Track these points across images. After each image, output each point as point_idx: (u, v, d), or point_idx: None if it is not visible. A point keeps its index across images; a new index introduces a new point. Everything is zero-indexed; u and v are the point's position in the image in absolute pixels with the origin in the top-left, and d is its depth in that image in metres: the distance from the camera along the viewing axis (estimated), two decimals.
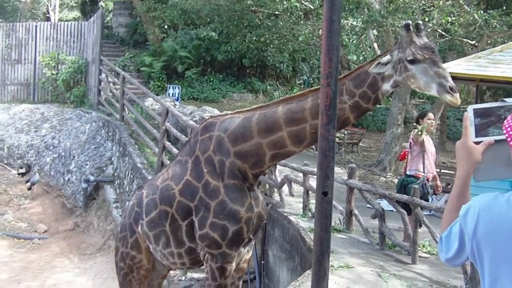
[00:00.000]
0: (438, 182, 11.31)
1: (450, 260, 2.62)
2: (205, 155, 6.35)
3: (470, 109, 2.68)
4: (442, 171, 17.95)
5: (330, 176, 3.38)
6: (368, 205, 12.06)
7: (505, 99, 2.72)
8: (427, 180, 11.08)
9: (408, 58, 5.38)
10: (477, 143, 2.65)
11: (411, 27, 5.49)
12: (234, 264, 6.49)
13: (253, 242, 6.92)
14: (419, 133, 11.08)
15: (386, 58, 5.56)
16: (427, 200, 10.84)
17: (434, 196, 14.01)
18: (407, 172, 11.23)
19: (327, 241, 3.43)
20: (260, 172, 6.45)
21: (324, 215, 3.41)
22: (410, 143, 11.22)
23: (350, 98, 5.71)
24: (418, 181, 10.82)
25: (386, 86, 5.67)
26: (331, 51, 3.32)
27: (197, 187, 6.31)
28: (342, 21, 20.74)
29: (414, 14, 17.91)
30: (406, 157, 12.28)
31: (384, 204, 11.96)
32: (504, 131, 2.50)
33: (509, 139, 2.49)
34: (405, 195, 10.41)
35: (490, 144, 2.63)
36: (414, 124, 11.81)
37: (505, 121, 2.53)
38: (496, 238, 2.37)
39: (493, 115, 2.64)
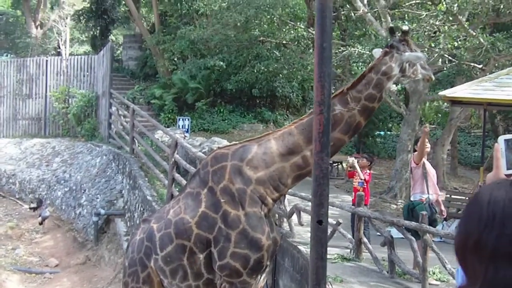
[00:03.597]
0: (442, 207, 11.32)
1: None
2: (221, 185, 6.36)
3: (501, 139, 2.51)
4: (453, 196, 17.89)
5: (324, 204, 3.34)
6: (377, 233, 12.00)
7: None
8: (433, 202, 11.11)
9: (419, 54, 6.70)
10: (509, 175, 2.42)
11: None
12: None
13: (269, 269, 6.94)
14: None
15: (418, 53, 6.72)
16: (436, 220, 10.86)
17: (445, 222, 14.00)
18: (411, 198, 11.35)
19: (323, 270, 3.39)
20: (280, 196, 6.60)
21: (320, 243, 3.37)
22: (411, 167, 11.32)
23: (357, 103, 6.37)
24: (425, 203, 10.86)
25: (390, 84, 6.65)
26: (323, 77, 3.30)
27: (215, 218, 6.31)
28: (349, 49, 20.86)
29: (420, 39, 17.92)
30: (354, 176, 12.54)
31: (394, 232, 11.89)
32: None
33: None
34: (413, 222, 10.36)
35: None
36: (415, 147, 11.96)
37: None
38: None
39: None
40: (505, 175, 2.43)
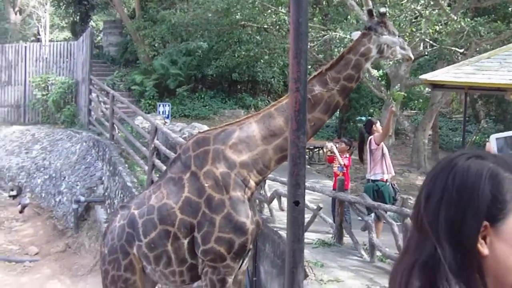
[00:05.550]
0: (394, 182, 12.11)
1: None
2: (204, 169, 6.34)
3: (493, 138, 2.36)
4: None
5: (301, 184, 3.24)
6: (358, 218, 11.96)
7: None
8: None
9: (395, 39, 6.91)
10: None
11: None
12: (233, 276, 6.48)
13: (250, 254, 6.97)
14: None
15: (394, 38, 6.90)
16: (396, 200, 11.49)
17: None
18: (372, 178, 11.86)
19: (299, 252, 3.30)
20: (262, 180, 6.64)
21: (296, 224, 3.28)
22: (372, 149, 11.76)
23: (336, 83, 6.52)
24: (388, 184, 11.66)
25: (368, 65, 6.85)
26: (299, 54, 3.20)
27: (198, 203, 6.29)
28: (330, 33, 20.74)
29: (402, 25, 17.84)
30: (334, 161, 12.78)
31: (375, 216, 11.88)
32: None
33: None
34: (393, 206, 10.44)
35: None
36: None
37: None
38: None
39: None
40: None
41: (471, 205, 1.64)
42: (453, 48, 19.84)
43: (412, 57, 7.39)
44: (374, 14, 6.99)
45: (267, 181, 13.07)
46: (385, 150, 11.89)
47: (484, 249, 1.63)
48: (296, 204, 3.23)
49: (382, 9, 7.07)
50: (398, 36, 7.04)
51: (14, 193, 24.22)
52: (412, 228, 1.78)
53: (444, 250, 1.63)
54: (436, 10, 18.35)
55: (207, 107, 28.71)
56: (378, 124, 12.21)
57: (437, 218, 1.66)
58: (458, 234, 1.64)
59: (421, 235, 1.71)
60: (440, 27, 18.18)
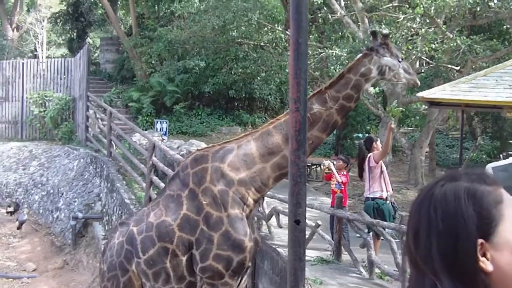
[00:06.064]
0: (392, 199, 12.04)
1: None
2: (202, 187, 6.35)
3: (489, 168, 2.41)
4: None
5: (302, 203, 3.27)
6: (357, 235, 11.98)
7: None
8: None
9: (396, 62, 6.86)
10: None
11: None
12: None
13: (249, 271, 6.95)
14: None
15: (394, 61, 6.84)
16: (395, 218, 11.65)
17: None
18: (371, 196, 11.75)
19: (301, 271, 3.32)
20: (261, 197, 6.61)
21: (297, 243, 3.30)
22: (371, 166, 11.68)
23: (335, 102, 6.52)
24: (388, 202, 11.58)
25: (368, 85, 6.86)
26: (299, 74, 3.23)
27: (197, 220, 6.29)
28: (326, 51, 20.83)
29: (398, 42, 17.95)
30: (331, 178, 12.79)
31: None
32: None
33: None
34: (392, 223, 10.45)
35: None
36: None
37: None
38: None
39: None
40: None
41: (460, 229, 1.66)
42: (449, 66, 19.96)
43: (419, 83, 7.36)
44: (378, 35, 7.02)
45: (265, 198, 13.08)
46: (384, 167, 11.85)
47: (487, 266, 1.65)
48: (297, 223, 3.26)
49: (385, 31, 7.08)
50: (402, 60, 7.01)
51: (11, 209, 24.19)
52: (410, 268, 1.80)
53: (443, 285, 1.66)
54: (432, 28, 18.48)
55: (204, 124, 28.77)
56: (378, 142, 12.19)
57: (429, 253, 1.69)
58: (454, 263, 1.66)
59: (418, 273, 1.74)
60: (436, 45, 18.29)
